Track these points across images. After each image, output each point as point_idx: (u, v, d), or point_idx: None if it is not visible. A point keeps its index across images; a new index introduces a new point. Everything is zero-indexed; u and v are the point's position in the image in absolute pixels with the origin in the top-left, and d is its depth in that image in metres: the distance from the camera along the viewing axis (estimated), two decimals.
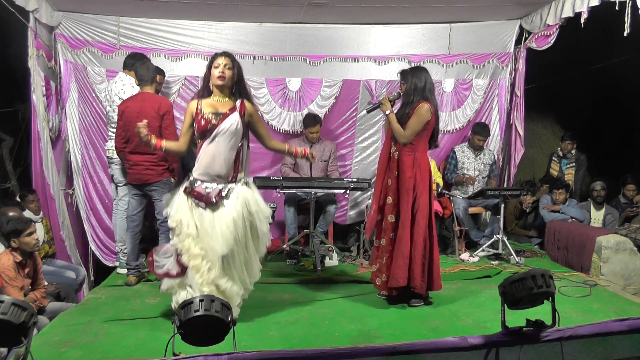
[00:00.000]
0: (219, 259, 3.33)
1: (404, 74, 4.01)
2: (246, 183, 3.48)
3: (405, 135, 3.88)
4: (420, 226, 3.87)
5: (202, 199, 3.36)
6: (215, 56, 3.47)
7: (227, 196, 3.36)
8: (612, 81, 6.79)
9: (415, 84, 3.92)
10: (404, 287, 3.90)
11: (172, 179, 4.40)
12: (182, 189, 3.45)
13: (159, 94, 5.34)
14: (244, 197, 3.39)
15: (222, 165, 3.37)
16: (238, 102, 3.45)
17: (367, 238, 5.01)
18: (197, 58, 5.73)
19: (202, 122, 3.38)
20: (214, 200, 3.34)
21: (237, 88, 3.49)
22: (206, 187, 3.37)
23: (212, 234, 3.32)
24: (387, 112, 3.96)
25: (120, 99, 4.61)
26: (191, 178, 3.43)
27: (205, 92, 3.49)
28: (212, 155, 3.37)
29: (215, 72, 3.41)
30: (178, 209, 3.41)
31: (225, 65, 3.40)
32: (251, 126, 3.54)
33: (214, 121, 3.36)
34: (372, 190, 5.75)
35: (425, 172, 3.93)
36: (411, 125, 3.86)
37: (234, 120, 3.38)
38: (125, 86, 4.66)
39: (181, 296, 3.38)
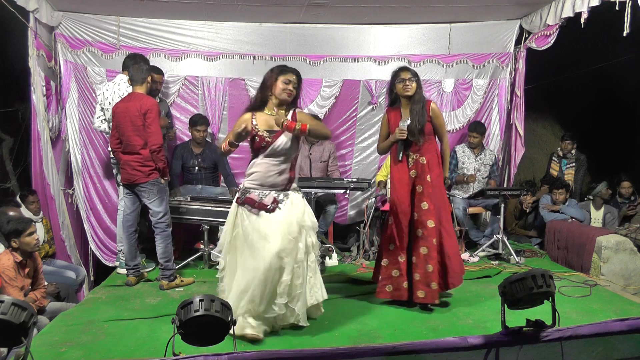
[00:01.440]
0: (269, 264, 3.23)
1: (413, 71, 3.95)
2: (297, 190, 3.49)
3: (446, 140, 4.05)
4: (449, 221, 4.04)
5: (255, 205, 3.34)
6: (285, 70, 3.43)
7: (282, 202, 3.36)
8: (612, 81, 6.80)
9: (421, 85, 3.97)
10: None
11: (161, 179, 4.35)
12: (234, 200, 3.47)
13: (159, 94, 5.36)
14: (298, 204, 3.39)
15: (278, 177, 3.38)
16: (290, 114, 3.43)
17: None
18: (197, 58, 5.73)
19: (257, 139, 3.37)
20: (270, 207, 3.32)
21: (292, 103, 3.48)
22: (260, 194, 3.36)
23: (267, 234, 3.27)
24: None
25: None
26: (242, 187, 3.44)
27: (260, 102, 3.45)
28: (267, 169, 3.37)
29: (285, 88, 3.38)
30: (227, 224, 3.46)
31: (294, 84, 3.41)
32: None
33: (268, 139, 3.35)
34: (372, 190, 5.79)
35: (441, 167, 4.03)
36: (442, 127, 4.00)
37: (288, 137, 3.36)
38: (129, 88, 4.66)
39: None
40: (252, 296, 3.23)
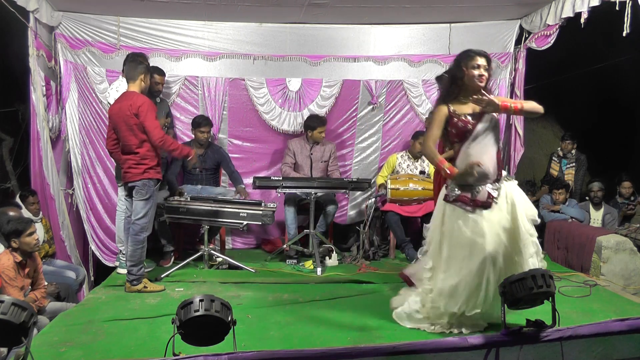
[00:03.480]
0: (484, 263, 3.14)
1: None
2: (508, 178, 3.36)
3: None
4: None
5: (470, 203, 3.21)
6: (471, 54, 3.30)
7: (496, 196, 3.22)
8: (612, 81, 6.79)
9: None
10: None
11: (152, 180, 4.23)
12: (441, 197, 3.35)
13: (160, 94, 5.35)
14: (512, 196, 3.26)
15: (489, 164, 3.22)
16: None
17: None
18: (197, 58, 5.73)
19: (460, 124, 3.24)
20: (487, 202, 3.20)
21: (485, 87, 3.31)
22: (472, 190, 3.23)
23: (484, 233, 3.16)
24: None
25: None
26: (450, 185, 3.29)
27: (454, 91, 3.32)
28: (475, 156, 3.21)
29: (476, 73, 3.24)
30: (433, 223, 3.39)
31: (484, 68, 3.26)
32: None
33: (472, 121, 3.24)
34: (372, 190, 5.80)
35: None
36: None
37: (492, 116, 3.26)
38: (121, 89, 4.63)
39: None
40: (467, 296, 3.18)
